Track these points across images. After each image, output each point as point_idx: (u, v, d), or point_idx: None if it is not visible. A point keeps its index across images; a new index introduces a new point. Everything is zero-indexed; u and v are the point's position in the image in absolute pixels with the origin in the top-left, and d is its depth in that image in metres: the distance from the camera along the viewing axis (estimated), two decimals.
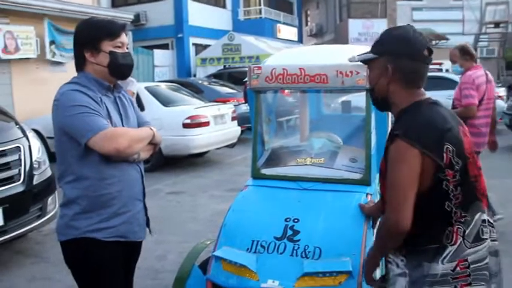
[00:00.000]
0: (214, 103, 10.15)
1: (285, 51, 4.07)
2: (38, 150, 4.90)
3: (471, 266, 1.80)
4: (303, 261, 2.39)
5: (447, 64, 6.52)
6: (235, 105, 10.91)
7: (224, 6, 24.61)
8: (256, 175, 3.00)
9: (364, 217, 2.54)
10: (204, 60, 21.27)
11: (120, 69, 2.33)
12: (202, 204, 6.73)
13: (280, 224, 2.56)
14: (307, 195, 2.76)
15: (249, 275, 2.40)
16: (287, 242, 2.48)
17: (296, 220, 2.56)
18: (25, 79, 11.65)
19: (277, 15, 26.64)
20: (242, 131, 10.57)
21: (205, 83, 13.66)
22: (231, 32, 21.84)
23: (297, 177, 2.87)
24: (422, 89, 1.94)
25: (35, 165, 4.74)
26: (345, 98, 4.13)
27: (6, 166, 4.48)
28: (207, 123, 8.86)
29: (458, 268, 1.79)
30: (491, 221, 1.91)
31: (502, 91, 12.94)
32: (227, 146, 9.87)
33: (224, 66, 19.53)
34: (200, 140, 8.77)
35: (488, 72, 5.13)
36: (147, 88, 9.35)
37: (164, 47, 21.17)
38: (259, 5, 25.75)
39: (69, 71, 10.23)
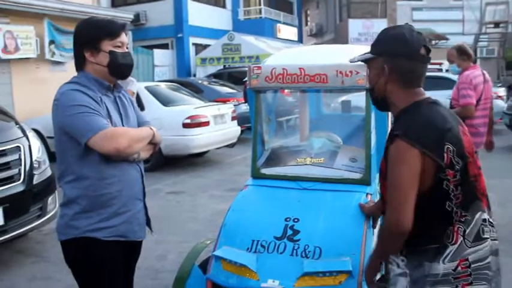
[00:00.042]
0: (214, 103, 10.15)
1: (284, 51, 4.08)
2: (38, 150, 4.91)
3: (472, 266, 1.80)
4: (303, 261, 2.39)
5: (447, 64, 6.51)
6: (235, 105, 10.91)
7: (224, 6, 24.61)
8: (256, 175, 3.01)
9: (364, 217, 2.54)
10: (204, 60, 21.27)
11: (120, 68, 2.33)
12: (202, 204, 6.74)
13: (280, 223, 2.56)
14: (307, 195, 2.76)
15: (249, 275, 2.40)
16: (287, 241, 2.48)
17: (296, 220, 2.56)
18: (25, 79, 11.65)
19: (277, 15, 26.63)
20: (242, 131, 10.57)
21: (205, 83, 13.66)
22: (231, 31, 21.84)
23: (297, 177, 2.88)
24: (421, 89, 1.93)
25: (35, 165, 4.74)
26: (344, 97, 4.14)
27: (6, 166, 4.48)
28: (207, 123, 8.86)
29: (459, 268, 1.79)
30: (492, 220, 1.91)
31: (502, 91, 12.94)
32: (227, 146, 9.87)
33: (224, 66, 19.53)
34: (200, 139, 8.78)
35: (485, 72, 5.13)
36: (147, 88, 9.35)
37: (164, 46, 21.17)
38: (259, 4, 25.74)
39: (69, 70, 10.24)
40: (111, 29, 2.30)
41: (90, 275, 2.32)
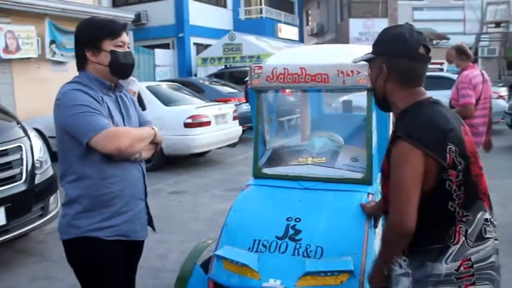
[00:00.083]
0: (215, 103, 10.15)
1: (286, 51, 4.07)
2: (39, 150, 4.91)
3: (474, 266, 1.80)
4: (305, 261, 2.39)
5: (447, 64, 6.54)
6: (236, 105, 10.91)
7: (225, 6, 24.62)
8: (258, 174, 3.01)
9: (365, 216, 2.54)
10: (205, 59, 21.27)
11: (121, 68, 2.33)
12: (203, 203, 6.74)
13: (281, 223, 2.56)
14: (309, 194, 2.76)
15: (251, 274, 2.40)
16: (289, 241, 2.48)
17: (298, 219, 2.57)
18: (26, 79, 11.66)
19: (278, 14, 26.63)
20: (243, 131, 10.56)
21: (207, 83, 13.66)
22: (232, 31, 21.83)
23: (298, 176, 2.88)
24: (422, 89, 1.93)
25: (36, 165, 4.74)
26: (346, 97, 4.14)
27: (8, 165, 4.48)
28: (208, 123, 8.86)
29: (462, 268, 1.79)
30: (493, 220, 1.91)
31: (503, 91, 12.91)
32: (228, 146, 9.87)
33: (225, 65, 19.53)
34: (201, 139, 8.78)
35: (484, 71, 5.15)
36: (148, 88, 9.36)
37: (165, 46, 21.18)
38: (260, 4, 25.75)
39: (71, 70, 10.22)
40: (112, 29, 2.30)
41: (92, 274, 2.32)
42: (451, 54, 5.13)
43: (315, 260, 2.39)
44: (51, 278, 4.34)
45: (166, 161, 8.95)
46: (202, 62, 21.31)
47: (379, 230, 2.78)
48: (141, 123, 2.49)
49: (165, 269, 4.41)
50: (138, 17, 19.81)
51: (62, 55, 12.40)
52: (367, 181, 2.77)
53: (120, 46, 2.32)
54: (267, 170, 3.01)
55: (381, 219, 2.66)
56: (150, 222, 2.54)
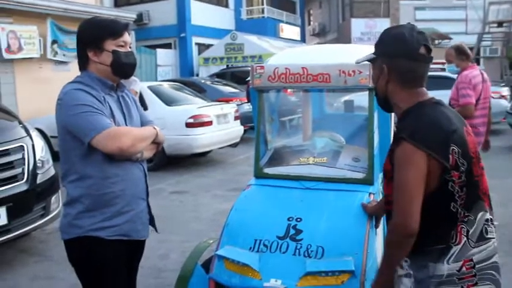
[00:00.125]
0: (217, 102, 10.15)
1: (287, 51, 4.07)
2: (41, 150, 4.92)
3: (476, 266, 1.80)
4: (306, 261, 2.39)
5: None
6: (238, 105, 10.91)
7: (227, 6, 24.61)
8: (259, 174, 3.00)
9: (366, 216, 2.53)
10: (206, 59, 21.27)
11: (123, 68, 2.34)
12: (205, 203, 6.74)
13: (282, 223, 2.56)
14: (310, 194, 2.76)
15: (252, 274, 2.40)
16: (290, 241, 2.48)
17: (299, 219, 2.56)
18: (28, 78, 11.67)
19: (280, 14, 26.63)
20: (245, 131, 10.57)
21: (208, 83, 13.67)
22: (233, 31, 21.84)
23: (299, 176, 2.87)
24: (424, 89, 1.92)
25: (38, 164, 4.75)
26: (347, 97, 4.13)
27: (10, 165, 4.49)
28: (209, 123, 8.86)
29: (464, 268, 1.79)
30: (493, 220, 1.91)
31: (505, 90, 12.88)
32: (230, 146, 9.87)
33: (227, 65, 19.54)
34: (203, 139, 8.78)
35: (483, 71, 5.15)
36: (150, 87, 9.36)
37: (167, 46, 21.18)
38: (262, 4, 25.74)
39: (73, 70, 10.23)
40: (114, 29, 2.30)
41: (94, 274, 2.33)
42: (450, 54, 5.14)
43: (316, 260, 2.39)
44: (52, 277, 4.34)
45: (167, 160, 8.95)
46: (204, 62, 21.31)
47: (380, 230, 2.78)
48: (143, 123, 2.50)
49: (166, 269, 4.41)
50: (140, 16, 19.82)
51: (63, 55, 12.42)
52: (368, 181, 2.77)
53: (122, 46, 2.32)
54: (268, 170, 3.01)
55: (382, 219, 2.66)
56: (152, 222, 2.54)
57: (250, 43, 20.67)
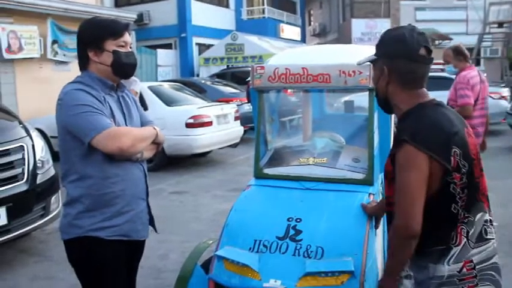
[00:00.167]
0: (217, 103, 10.15)
1: (288, 51, 4.07)
2: (41, 150, 4.92)
3: (477, 267, 1.80)
4: (305, 261, 2.39)
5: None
6: (238, 105, 10.91)
7: (227, 6, 24.62)
8: (259, 175, 3.00)
9: (366, 217, 2.53)
10: (207, 60, 21.28)
11: (124, 68, 2.34)
12: (205, 204, 6.74)
13: (282, 223, 2.56)
14: (310, 195, 2.75)
15: (251, 275, 2.40)
16: (289, 241, 2.48)
17: (298, 220, 2.56)
18: (28, 78, 11.68)
19: (281, 15, 26.63)
20: (245, 131, 10.57)
21: (208, 83, 13.67)
22: (234, 31, 21.85)
23: (299, 177, 2.87)
24: (425, 90, 1.92)
25: (38, 165, 4.75)
26: (347, 97, 4.13)
27: (10, 165, 4.49)
28: (210, 123, 8.86)
29: (464, 269, 1.79)
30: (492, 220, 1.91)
31: (505, 91, 12.88)
32: (230, 146, 9.88)
33: (227, 66, 19.54)
34: (203, 139, 8.78)
35: (481, 72, 5.17)
36: (150, 88, 9.37)
37: (167, 46, 21.18)
38: (263, 4, 25.74)
39: (73, 70, 10.25)
40: (115, 29, 2.31)
41: (93, 274, 2.33)
42: (448, 54, 5.16)
43: (316, 260, 2.39)
44: (52, 277, 4.34)
45: (168, 161, 8.95)
46: (204, 62, 21.32)
47: (380, 231, 2.78)
48: (143, 123, 2.50)
49: (165, 269, 4.41)
50: (140, 17, 19.83)
51: (64, 55, 12.43)
52: (368, 181, 2.77)
53: (123, 46, 2.32)
54: (268, 170, 3.00)
55: (381, 219, 2.66)
56: (151, 222, 2.54)
57: (251, 43, 20.68)
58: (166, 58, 20.34)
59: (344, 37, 26.21)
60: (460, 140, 1.79)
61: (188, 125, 8.64)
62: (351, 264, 2.34)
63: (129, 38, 2.36)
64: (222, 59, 20.89)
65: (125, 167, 2.30)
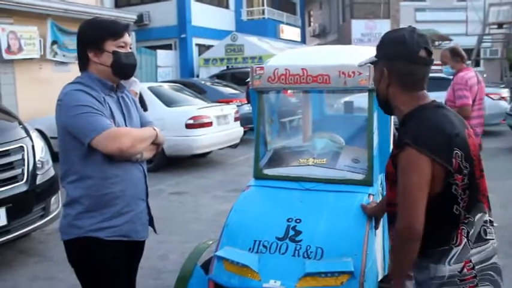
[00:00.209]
0: (217, 103, 10.16)
1: (287, 52, 4.08)
2: (41, 150, 4.92)
3: (476, 267, 1.80)
4: (305, 262, 2.39)
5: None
6: (238, 106, 10.92)
7: (227, 7, 24.62)
8: (259, 175, 3.00)
9: (366, 217, 2.54)
10: (207, 60, 21.28)
11: (123, 69, 2.34)
12: (204, 204, 6.74)
13: (282, 224, 2.56)
14: (310, 195, 2.76)
15: (251, 275, 2.40)
16: (289, 242, 2.48)
17: (298, 220, 2.56)
18: (28, 79, 11.68)
19: (280, 15, 26.64)
20: (245, 132, 10.57)
21: (208, 84, 13.67)
22: (234, 32, 21.85)
23: (299, 177, 2.87)
24: (425, 92, 1.92)
25: (38, 165, 4.75)
26: (347, 98, 4.14)
27: (10, 166, 4.49)
28: (209, 124, 8.87)
29: (465, 270, 1.79)
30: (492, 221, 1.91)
31: (505, 92, 12.87)
32: (230, 147, 9.88)
33: (227, 66, 19.56)
34: (203, 140, 8.78)
35: (478, 73, 5.19)
36: (150, 88, 9.37)
37: (167, 47, 21.18)
38: (262, 5, 25.75)
39: (73, 71, 10.24)
40: (115, 30, 2.31)
41: (93, 274, 2.33)
42: (445, 55, 5.18)
43: (315, 261, 2.39)
44: (52, 278, 4.34)
45: (167, 161, 8.96)
46: (204, 63, 21.32)
47: (379, 232, 2.78)
48: (143, 124, 2.50)
49: (165, 270, 4.41)
50: (140, 17, 19.82)
51: (64, 56, 12.43)
52: (368, 182, 2.77)
53: (122, 47, 2.32)
54: (267, 171, 3.01)
55: (381, 220, 2.66)
56: (151, 223, 2.54)
57: (251, 44, 20.68)
58: (166, 59, 20.34)
59: (344, 38, 26.22)
60: (461, 141, 1.80)
61: (188, 126, 8.65)
62: (351, 264, 2.34)
63: (129, 38, 2.37)
64: (221, 59, 20.89)
65: (124, 168, 2.30)
